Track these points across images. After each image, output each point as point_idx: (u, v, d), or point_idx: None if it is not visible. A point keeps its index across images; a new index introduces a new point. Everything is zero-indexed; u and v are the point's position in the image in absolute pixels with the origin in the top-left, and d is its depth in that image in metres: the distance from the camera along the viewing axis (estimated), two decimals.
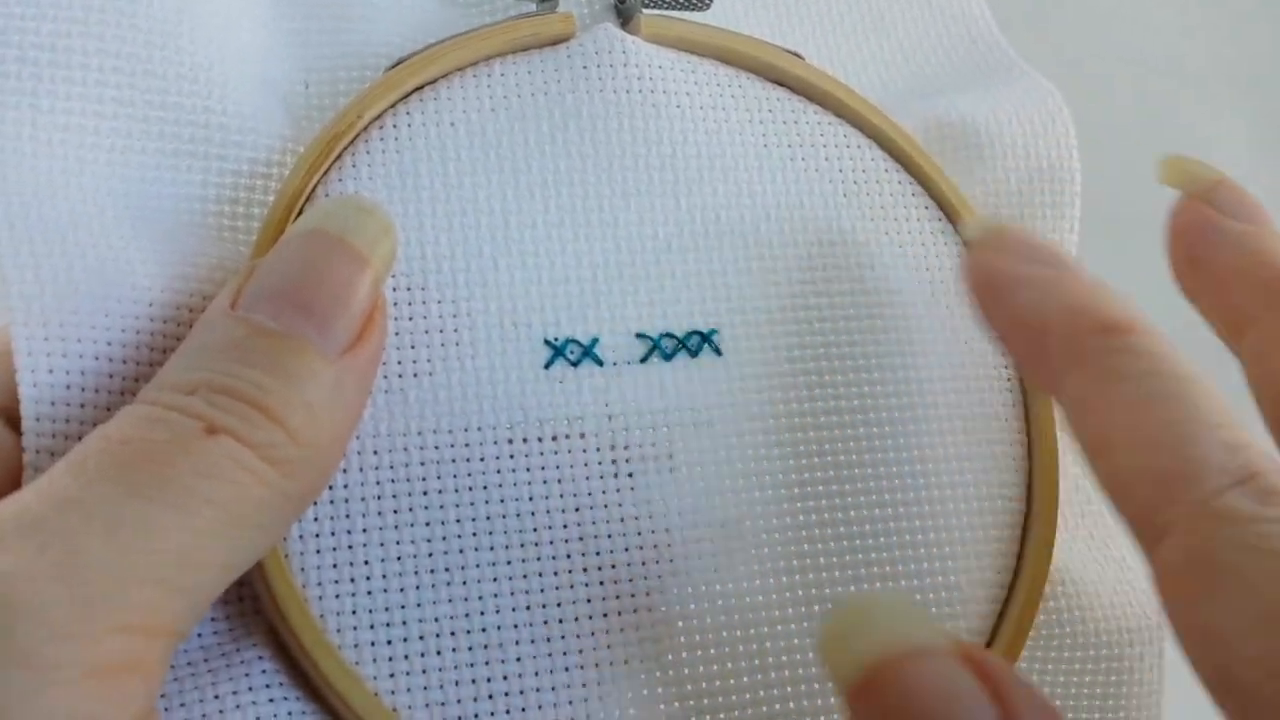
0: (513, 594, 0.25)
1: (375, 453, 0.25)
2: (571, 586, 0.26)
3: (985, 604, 0.28)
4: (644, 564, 0.26)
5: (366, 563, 0.25)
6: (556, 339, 0.27)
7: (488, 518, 0.26)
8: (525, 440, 0.26)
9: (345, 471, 0.25)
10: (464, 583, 0.25)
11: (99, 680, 0.19)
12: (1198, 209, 0.27)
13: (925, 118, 0.32)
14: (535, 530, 0.26)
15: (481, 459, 0.26)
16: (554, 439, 0.26)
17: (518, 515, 0.26)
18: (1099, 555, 0.31)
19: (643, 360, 0.27)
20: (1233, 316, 0.26)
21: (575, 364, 0.27)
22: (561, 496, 0.26)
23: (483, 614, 0.25)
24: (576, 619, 0.26)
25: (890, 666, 0.20)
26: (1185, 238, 0.27)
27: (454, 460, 0.26)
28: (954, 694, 0.19)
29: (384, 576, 0.25)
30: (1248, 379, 0.26)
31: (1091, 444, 0.23)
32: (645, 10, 0.29)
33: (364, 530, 0.25)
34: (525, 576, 0.25)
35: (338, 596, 0.25)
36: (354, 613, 0.25)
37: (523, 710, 0.25)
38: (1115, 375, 0.23)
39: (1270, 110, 0.52)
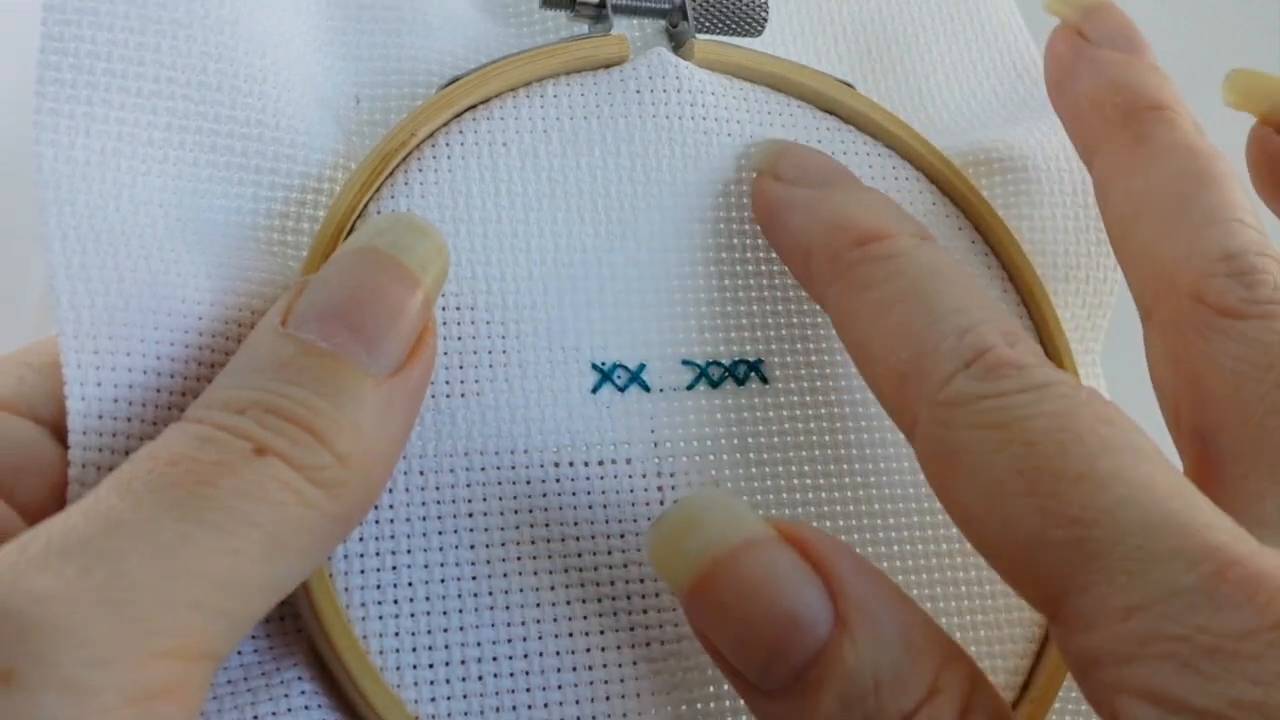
0: (555, 620, 0.25)
1: (421, 473, 0.25)
2: (615, 614, 0.25)
3: (1023, 643, 0.28)
4: None
5: (410, 584, 0.25)
6: (604, 363, 0.27)
7: (532, 542, 0.25)
8: (571, 464, 0.26)
9: (391, 492, 0.25)
10: (507, 607, 0.25)
11: (139, 706, 0.19)
12: (1068, 36, 0.29)
13: (973, 150, 0.32)
14: (580, 556, 0.25)
15: (528, 482, 0.26)
16: (600, 464, 0.26)
17: (563, 540, 0.25)
18: None
19: (689, 387, 0.27)
20: (1086, 142, 0.28)
21: (622, 389, 0.27)
22: (607, 522, 0.26)
23: (525, 640, 0.25)
24: (619, 647, 0.25)
25: (719, 564, 0.22)
26: (1053, 64, 0.29)
27: (500, 483, 0.25)
28: (779, 575, 0.21)
29: (427, 599, 0.25)
30: (1096, 199, 0.28)
31: (854, 353, 0.25)
32: (698, 35, 0.29)
33: (408, 552, 0.25)
34: (569, 603, 0.25)
35: (380, 618, 0.24)
36: (396, 635, 0.24)
37: None
38: (863, 284, 0.25)
39: None
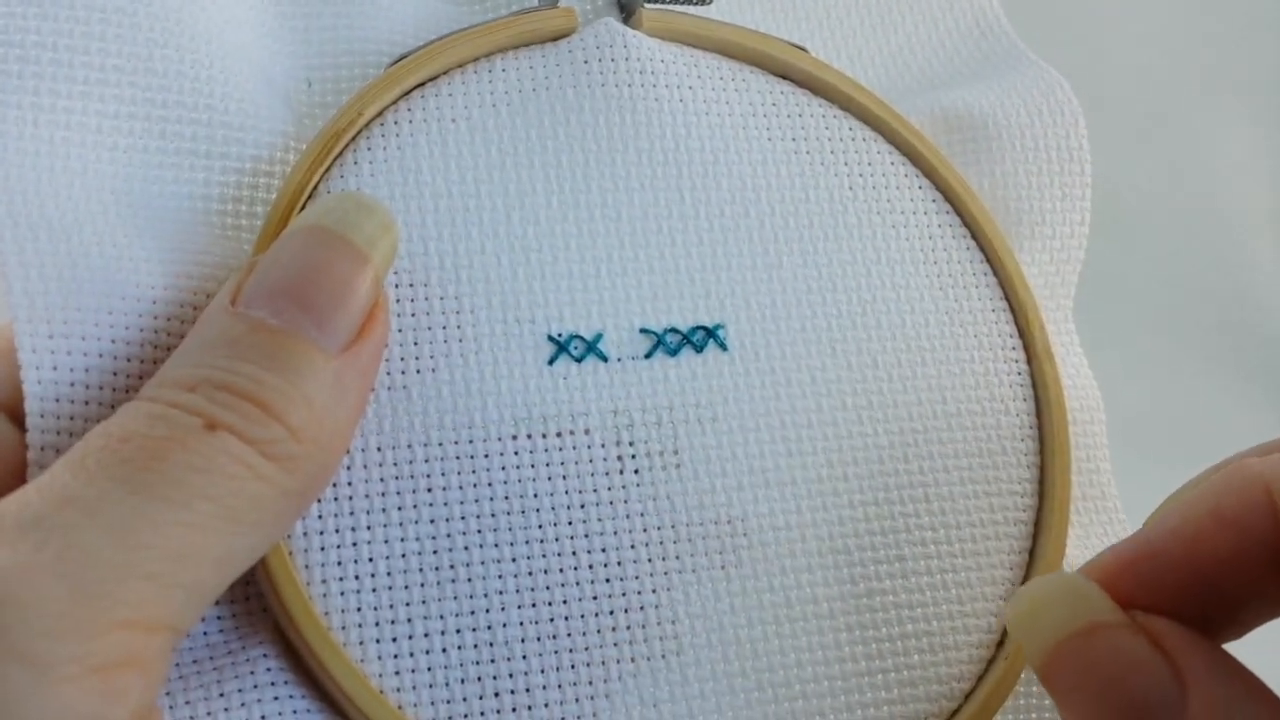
0: (518, 591, 0.25)
1: (379, 449, 0.25)
2: (577, 584, 0.25)
3: (996, 601, 0.28)
4: (650, 560, 0.26)
5: (371, 560, 0.25)
6: (560, 335, 0.27)
7: (492, 515, 0.25)
8: (529, 437, 0.26)
9: (349, 468, 0.25)
10: (469, 580, 0.25)
11: (98, 676, 0.19)
12: None
13: (933, 109, 0.32)
14: (540, 527, 0.26)
15: (485, 455, 0.26)
16: (558, 435, 0.26)
17: (522, 512, 0.26)
18: None
19: (647, 356, 0.27)
20: None
21: (579, 360, 0.27)
22: (566, 493, 0.26)
23: (488, 611, 0.25)
24: (583, 616, 0.25)
25: (1068, 644, 0.22)
26: None
27: (458, 457, 0.26)
28: (1130, 661, 0.21)
29: (389, 574, 0.25)
30: None
31: None
32: (647, 5, 0.29)
33: (368, 528, 0.25)
34: (531, 574, 0.25)
35: (342, 594, 0.24)
36: (359, 610, 0.24)
37: (529, 708, 0.25)
38: None
39: (1275, 107, 0.51)
